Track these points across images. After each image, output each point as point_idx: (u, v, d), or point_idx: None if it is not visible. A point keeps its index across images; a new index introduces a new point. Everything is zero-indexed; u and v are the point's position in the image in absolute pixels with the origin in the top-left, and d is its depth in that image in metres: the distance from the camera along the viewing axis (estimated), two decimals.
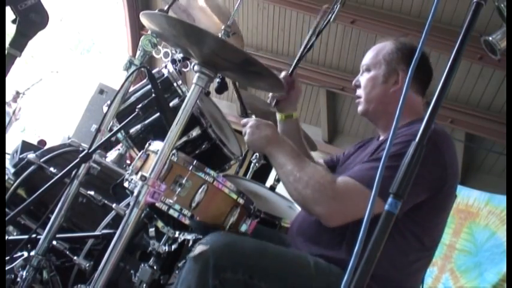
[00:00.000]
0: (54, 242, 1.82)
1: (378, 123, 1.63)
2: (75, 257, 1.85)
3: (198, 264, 1.22)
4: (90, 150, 1.60)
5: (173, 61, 1.91)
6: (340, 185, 1.33)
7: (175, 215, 1.41)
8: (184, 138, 1.77)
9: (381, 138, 1.60)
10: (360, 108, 1.63)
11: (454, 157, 1.43)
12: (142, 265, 1.54)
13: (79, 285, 1.68)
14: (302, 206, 1.44)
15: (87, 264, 1.82)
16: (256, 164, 2.70)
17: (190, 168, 1.44)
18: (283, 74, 1.84)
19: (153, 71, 1.80)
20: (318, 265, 1.31)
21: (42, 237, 1.69)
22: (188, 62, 1.92)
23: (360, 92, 1.63)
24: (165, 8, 1.89)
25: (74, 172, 1.69)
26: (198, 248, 1.25)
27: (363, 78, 1.62)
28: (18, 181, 2.11)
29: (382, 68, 1.57)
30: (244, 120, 1.63)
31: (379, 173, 0.87)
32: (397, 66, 1.56)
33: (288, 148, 1.49)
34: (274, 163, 1.50)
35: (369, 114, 1.62)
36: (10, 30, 1.34)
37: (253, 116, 2.59)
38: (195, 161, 1.45)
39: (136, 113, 1.64)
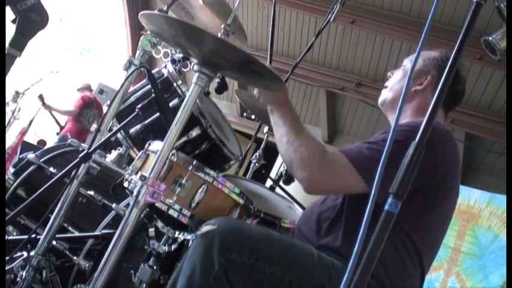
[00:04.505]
0: (54, 242, 1.82)
1: (390, 116, 1.68)
2: (75, 257, 1.85)
3: (204, 242, 1.24)
4: (89, 150, 1.60)
5: (173, 61, 1.91)
6: (329, 156, 1.39)
7: (175, 215, 1.41)
8: (184, 138, 1.77)
9: None
10: (381, 97, 1.70)
11: (450, 157, 1.42)
12: (142, 265, 1.54)
13: (79, 285, 1.68)
14: (288, 168, 1.49)
15: (87, 264, 1.82)
16: (256, 164, 2.70)
17: (190, 168, 1.44)
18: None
19: (153, 71, 1.80)
20: (321, 257, 1.34)
21: (42, 237, 1.68)
22: (188, 62, 1.91)
23: (388, 82, 1.70)
24: (165, 8, 1.88)
25: (73, 172, 1.69)
26: (205, 228, 1.26)
27: (397, 71, 1.70)
28: (18, 181, 2.11)
29: (418, 66, 1.63)
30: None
31: (380, 166, 0.87)
32: (430, 70, 1.62)
33: (291, 112, 1.54)
34: (273, 120, 1.56)
35: (385, 104, 1.68)
36: (10, 30, 1.33)
37: (253, 117, 2.59)
38: (194, 161, 1.45)
39: (136, 113, 1.64)
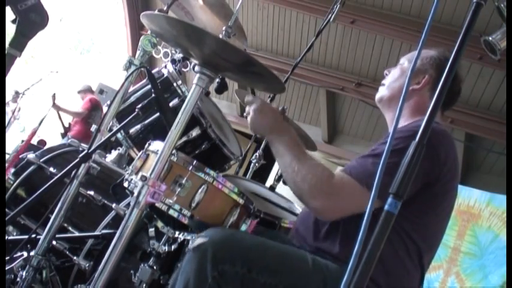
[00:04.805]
0: (54, 242, 1.82)
1: (387, 115, 1.68)
2: (75, 257, 1.85)
3: (197, 255, 1.24)
4: (89, 150, 1.60)
5: (173, 61, 1.91)
6: (337, 181, 1.36)
7: (175, 215, 1.41)
8: (184, 138, 1.77)
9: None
10: (378, 94, 1.68)
11: (451, 157, 1.42)
12: (142, 265, 1.54)
13: (79, 285, 1.68)
14: (299, 198, 1.47)
15: (87, 264, 1.82)
16: (256, 164, 2.70)
17: (190, 168, 1.44)
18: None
19: (153, 71, 1.80)
20: (315, 262, 1.33)
21: (42, 237, 1.69)
22: (188, 62, 1.91)
23: (386, 80, 1.69)
24: (165, 8, 1.88)
25: (73, 172, 1.69)
26: (198, 240, 1.26)
27: (394, 69, 1.69)
28: (18, 181, 2.11)
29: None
30: (250, 98, 1.59)
31: (378, 173, 0.87)
32: (428, 69, 1.61)
33: (289, 138, 1.49)
34: (275, 151, 1.51)
35: (382, 101, 1.67)
36: (10, 30, 1.34)
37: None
38: (194, 161, 1.45)
39: (136, 113, 1.64)
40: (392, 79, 1.67)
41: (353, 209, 1.36)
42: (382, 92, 1.68)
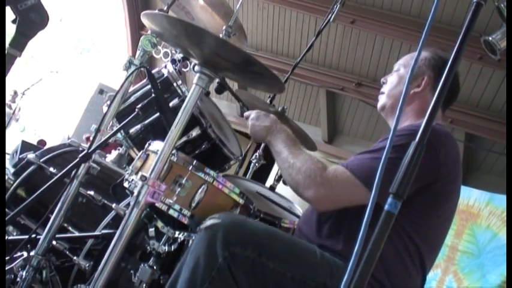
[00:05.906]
0: (54, 242, 1.82)
1: (390, 121, 1.70)
2: (75, 257, 1.85)
3: (208, 234, 1.26)
4: (89, 150, 1.60)
5: (173, 61, 1.91)
6: (330, 172, 1.41)
7: (175, 215, 1.41)
8: (184, 138, 1.77)
9: None
10: (379, 103, 1.71)
11: (452, 158, 1.43)
12: (142, 265, 1.54)
13: (79, 285, 1.68)
14: (295, 191, 1.50)
15: (87, 264, 1.82)
16: (256, 164, 2.70)
17: (190, 168, 1.44)
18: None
19: (153, 71, 1.80)
20: (323, 256, 1.35)
21: (42, 237, 1.68)
22: (188, 62, 1.91)
23: (384, 88, 1.71)
24: (165, 8, 1.88)
25: (73, 172, 1.69)
26: (210, 221, 1.28)
27: (391, 76, 1.71)
28: (18, 181, 2.11)
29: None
30: (247, 113, 1.74)
31: (380, 167, 0.87)
32: (425, 70, 1.63)
33: (285, 136, 1.58)
34: (273, 151, 1.59)
35: (385, 109, 1.69)
36: (10, 30, 1.34)
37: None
38: (194, 161, 1.46)
39: (136, 113, 1.63)
40: (391, 86, 1.69)
41: (347, 199, 1.39)
42: (383, 100, 1.70)
